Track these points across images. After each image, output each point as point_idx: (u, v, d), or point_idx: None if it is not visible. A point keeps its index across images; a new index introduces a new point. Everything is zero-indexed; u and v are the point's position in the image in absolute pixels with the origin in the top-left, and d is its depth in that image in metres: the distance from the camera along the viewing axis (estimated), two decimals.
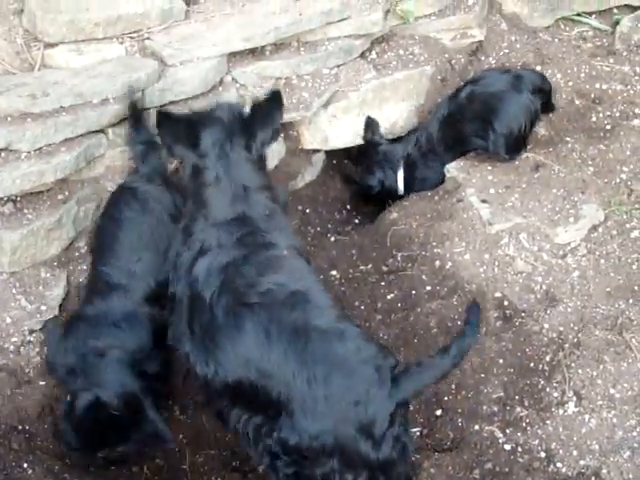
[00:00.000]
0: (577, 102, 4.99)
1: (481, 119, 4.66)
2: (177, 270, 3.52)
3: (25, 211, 3.94)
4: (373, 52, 4.92)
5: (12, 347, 3.84)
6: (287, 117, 4.60)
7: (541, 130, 4.77)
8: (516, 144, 4.64)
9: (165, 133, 3.60)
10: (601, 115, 4.91)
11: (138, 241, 3.92)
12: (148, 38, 4.34)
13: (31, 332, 3.89)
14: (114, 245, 3.91)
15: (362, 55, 4.86)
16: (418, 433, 3.76)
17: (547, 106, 4.83)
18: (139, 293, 3.83)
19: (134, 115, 4.12)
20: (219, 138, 3.56)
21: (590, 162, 4.59)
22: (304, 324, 3.21)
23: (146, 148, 4.14)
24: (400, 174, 4.93)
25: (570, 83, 5.04)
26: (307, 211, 5.05)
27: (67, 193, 4.06)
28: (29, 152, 3.91)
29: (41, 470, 3.54)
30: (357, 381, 3.14)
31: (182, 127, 3.57)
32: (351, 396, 3.11)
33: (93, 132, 4.09)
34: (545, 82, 4.80)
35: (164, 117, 3.61)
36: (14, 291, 3.91)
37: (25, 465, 3.55)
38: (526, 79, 4.69)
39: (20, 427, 3.72)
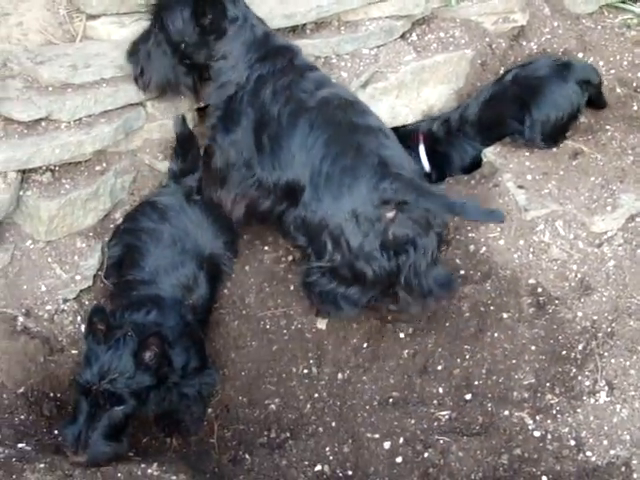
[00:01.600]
0: (618, 90, 4.92)
1: (521, 102, 4.61)
2: (235, 110, 3.92)
3: (63, 181, 3.97)
4: (414, 34, 4.87)
5: (46, 315, 3.88)
6: None
7: (581, 117, 4.71)
8: (553, 133, 4.58)
9: None
10: None
11: (162, 252, 3.91)
12: None
13: (65, 301, 3.93)
14: (136, 260, 3.91)
15: (402, 36, 4.82)
16: (447, 416, 3.75)
17: (597, 101, 4.77)
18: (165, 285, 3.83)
19: (179, 143, 4.18)
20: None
21: (630, 151, 4.53)
22: (342, 118, 3.80)
23: (178, 172, 4.18)
24: (421, 149, 4.87)
25: (612, 71, 4.97)
26: None
27: (105, 164, 4.08)
28: (69, 122, 3.93)
29: None
30: (357, 165, 3.65)
31: None
32: (347, 178, 3.64)
33: (132, 105, 4.11)
34: (595, 76, 4.71)
35: None
36: (49, 260, 3.95)
37: (56, 432, 3.57)
38: (575, 69, 4.62)
39: (52, 394, 3.76)
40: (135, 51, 4.01)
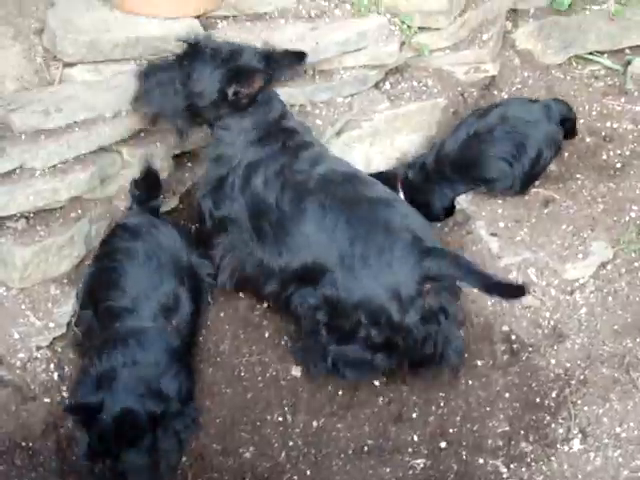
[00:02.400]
0: (588, 140, 5.00)
1: (513, 142, 4.61)
2: (226, 194, 3.99)
3: (38, 228, 3.95)
4: (387, 83, 4.93)
5: (19, 363, 3.84)
6: None
7: (552, 166, 4.78)
8: (536, 174, 4.64)
9: None
10: (612, 153, 4.93)
11: (138, 270, 3.88)
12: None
13: (38, 348, 3.89)
14: (114, 281, 3.87)
15: (376, 85, 4.88)
16: (422, 465, 3.75)
17: (572, 133, 4.86)
18: (147, 312, 3.80)
19: (143, 177, 4.13)
20: None
21: (600, 200, 4.61)
22: (354, 194, 3.84)
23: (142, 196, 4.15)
24: (401, 197, 4.85)
25: (581, 121, 5.05)
26: None
27: (80, 211, 4.06)
28: (43, 170, 3.93)
29: None
30: (393, 243, 3.65)
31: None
32: (385, 256, 3.64)
33: (107, 151, 4.12)
34: (571, 112, 4.82)
35: None
36: (23, 307, 3.92)
37: None
38: (555, 109, 4.69)
39: (24, 444, 3.71)
40: (150, 73, 4.03)
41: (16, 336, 3.86)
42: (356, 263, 3.69)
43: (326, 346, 3.83)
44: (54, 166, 3.95)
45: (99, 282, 3.95)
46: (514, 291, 3.72)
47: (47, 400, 3.85)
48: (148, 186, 4.14)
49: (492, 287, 3.68)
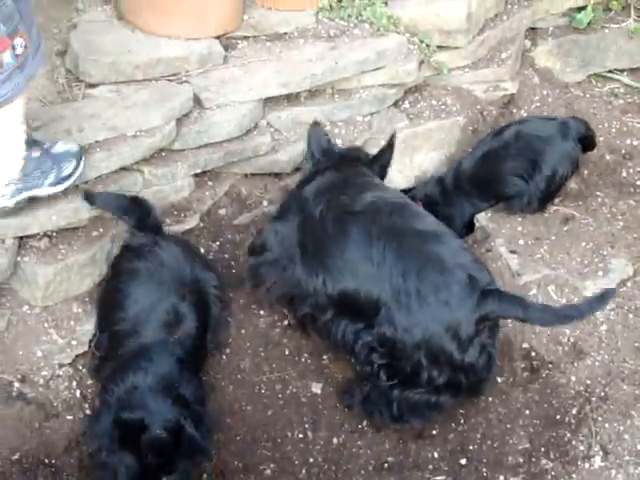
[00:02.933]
0: (608, 157, 5.01)
1: (526, 158, 4.64)
2: (288, 198, 4.15)
3: (60, 246, 3.99)
4: (406, 101, 4.97)
5: (42, 380, 3.87)
6: None
7: (571, 184, 4.79)
8: (552, 192, 4.65)
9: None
10: (631, 170, 4.95)
11: (140, 288, 3.90)
12: (186, 81, 4.41)
13: (61, 366, 3.92)
14: (119, 302, 3.89)
15: (395, 104, 4.91)
16: None
17: (590, 148, 4.86)
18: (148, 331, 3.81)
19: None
20: None
21: (620, 217, 4.61)
22: (403, 226, 3.73)
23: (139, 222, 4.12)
24: None
25: (601, 138, 5.06)
26: None
27: (102, 230, 4.11)
28: (65, 189, 3.98)
29: None
30: (449, 281, 3.54)
31: None
32: (442, 295, 3.51)
33: (129, 170, 4.17)
34: (589, 129, 4.82)
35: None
36: (46, 325, 3.96)
37: None
38: (573, 127, 4.69)
39: (47, 461, 3.73)
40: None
41: (39, 354, 3.90)
42: (413, 301, 3.54)
43: (388, 392, 3.72)
44: (76, 186, 3.99)
45: (108, 304, 3.98)
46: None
47: (69, 417, 3.88)
48: (138, 212, 4.11)
49: (556, 320, 3.70)
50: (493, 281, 3.70)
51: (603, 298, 3.64)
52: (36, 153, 3.79)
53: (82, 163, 3.88)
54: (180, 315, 3.85)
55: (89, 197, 3.98)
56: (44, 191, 3.83)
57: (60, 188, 3.85)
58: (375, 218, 3.74)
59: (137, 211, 4.09)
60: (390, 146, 4.38)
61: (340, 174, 4.09)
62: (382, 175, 4.36)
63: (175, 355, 3.75)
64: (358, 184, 4.01)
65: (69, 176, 3.84)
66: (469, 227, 4.77)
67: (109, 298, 3.98)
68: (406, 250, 3.62)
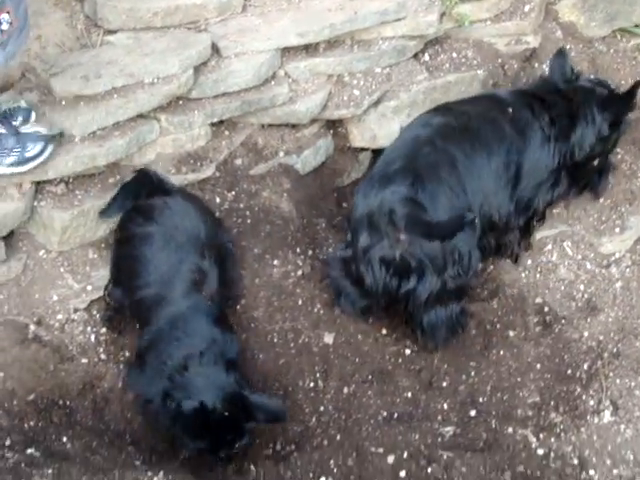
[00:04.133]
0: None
1: None
2: None
3: (76, 192, 4.03)
4: (426, 54, 4.92)
5: (57, 324, 3.93)
6: (337, 114, 4.66)
7: None
8: None
9: None
10: None
11: (158, 254, 3.87)
12: (205, 29, 4.39)
13: (76, 311, 3.98)
14: (137, 270, 3.88)
15: (415, 56, 4.86)
16: (451, 432, 3.77)
17: None
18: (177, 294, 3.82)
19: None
20: None
21: (639, 174, 4.57)
22: None
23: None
24: None
25: None
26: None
27: (118, 176, 4.13)
28: (82, 136, 3.99)
29: (80, 445, 3.61)
30: None
31: None
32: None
33: (146, 118, 4.18)
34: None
35: None
36: (62, 270, 4.00)
37: (64, 439, 3.62)
38: None
39: (61, 402, 3.80)
40: None
41: (55, 298, 3.95)
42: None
43: None
44: (93, 132, 4.00)
45: (124, 268, 3.97)
46: None
47: (84, 361, 3.93)
48: (146, 186, 4.11)
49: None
50: None
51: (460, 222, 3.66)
52: (1, 129, 3.77)
53: (50, 148, 3.82)
54: (205, 272, 3.86)
55: (103, 213, 4.03)
56: (3, 170, 3.78)
57: (22, 169, 3.79)
58: None
59: (144, 185, 4.10)
60: (630, 94, 4.31)
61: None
62: (613, 121, 4.29)
63: (210, 315, 3.79)
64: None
65: (33, 158, 3.80)
66: None
67: (125, 264, 3.96)
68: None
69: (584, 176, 4.29)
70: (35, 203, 3.94)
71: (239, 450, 3.60)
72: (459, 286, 3.89)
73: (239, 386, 3.61)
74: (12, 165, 3.77)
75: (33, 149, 3.77)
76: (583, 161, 4.19)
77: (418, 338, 4.01)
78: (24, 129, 3.82)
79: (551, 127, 4.08)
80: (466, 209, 3.82)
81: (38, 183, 3.95)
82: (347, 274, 4.04)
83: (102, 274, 4.05)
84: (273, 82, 4.50)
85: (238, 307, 4.18)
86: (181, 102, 4.28)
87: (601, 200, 4.44)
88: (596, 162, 4.26)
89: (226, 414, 3.51)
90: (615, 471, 3.57)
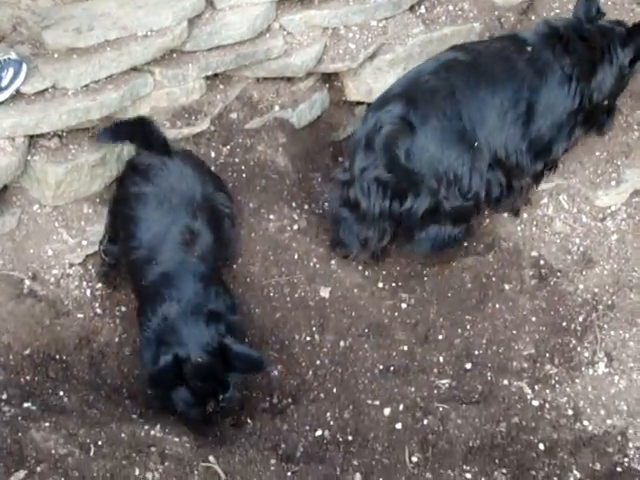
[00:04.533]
0: None
1: None
2: None
3: (70, 146, 4.00)
4: (422, 6, 4.87)
5: (52, 279, 3.93)
6: (332, 67, 4.63)
7: None
8: None
9: None
10: None
11: (151, 215, 3.86)
12: None
13: (71, 265, 3.98)
14: (131, 230, 3.87)
15: (411, 9, 4.81)
16: (447, 385, 3.78)
17: None
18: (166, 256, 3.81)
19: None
20: None
21: (636, 126, 4.54)
22: None
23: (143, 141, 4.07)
24: None
25: None
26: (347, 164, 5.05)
27: None
28: (75, 89, 3.95)
29: (76, 399, 3.61)
30: None
31: None
32: None
33: (139, 71, 4.14)
34: None
35: None
36: (56, 224, 3.99)
37: (61, 393, 3.63)
38: None
39: (57, 356, 3.82)
40: None
41: (50, 253, 3.94)
42: None
43: None
44: (86, 86, 3.97)
45: (120, 228, 3.97)
46: None
47: (80, 315, 3.94)
48: (143, 134, 4.07)
49: None
50: None
51: None
52: None
53: (22, 73, 3.79)
54: (195, 232, 3.85)
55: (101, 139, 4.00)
56: None
57: (3, 97, 3.77)
58: None
59: (141, 133, 4.04)
60: None
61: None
62: (634, 57, 4.30)
63: (197, 273, 3.77)
64: None
65: (9, 84, 3.77)
66: None
67: (121, 223, 3.96)
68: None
69: (595, 117, 4.28)
70: (29, 157, 3.92)
71: (228, 403, 3.59)
72: (456, 208, 3.94)
73: (221, 337, 3.58)
74: None
75: (7, 75, 3.75)
76: (599, 103, 4.19)
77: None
78: None
79: (573, 68, 4.07)
80: (460, 133, 3.87)
81: (31, 137, 3.92)
82: (345, 201, 4.09)
83: (97, 229, 4.04)
84: (268, 35, 4.46)
85: (234, 267, 4.19)
86: (175, 55, 4.24)
87: (597, 153, 4.42)
88: (606, 102, 4.26)
89: (202, 364, 3.50)
90: (609, 421, 3.59)
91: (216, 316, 3.66)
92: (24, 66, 3.81)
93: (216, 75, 4.44)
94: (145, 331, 3.69)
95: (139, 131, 4.03)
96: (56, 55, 3.95)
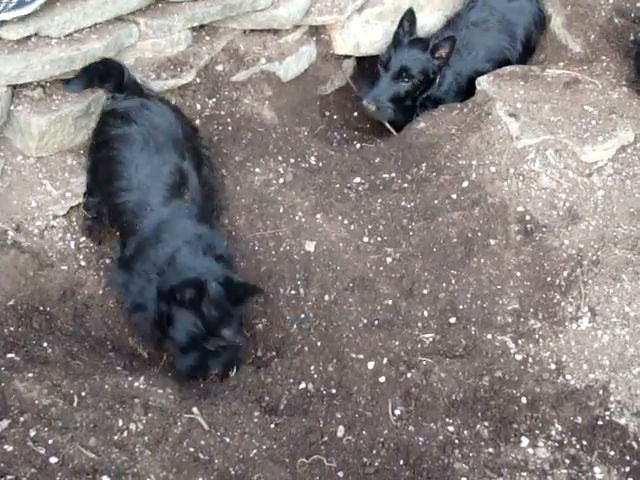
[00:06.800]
0: (616, 21, 4.87)
1: None
2: None
3: (54, 97, 3.96)
4: None
5: (36, 230, 3.91)
6: (320, 20, 4.61)
7: (577, 47, 4.69)
8: None
9: None
10: None
11: (138, 155, 3.81)
12: None
13: (55, 217, 3.96)
14: (116, 171, 3.82)
15: None
16: (431, 339, 3.79)
17: None
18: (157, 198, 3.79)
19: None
20: None
21: (624, 82, 4.52)
22: None
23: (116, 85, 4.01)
24: None
25: (610, 1, 4.92)
26: (334, 117, 5.03)
27: None
28: (59, 38, 3.90)
29: (60, 350, 3.61)
30: None
31: None
32: None
33: (124, 21, 4.08)
34: None
35: None
36: (40, 176, 3.96)
37: (45, 344, 3.62)
38: None
39: (41, 308, 3.80)
40: None
41: (33, 204, 3.92)
42: None
43: None
44: (70, 35, 3.92)
45: (103, 173, 3.91)
46: None
47: (64, 267, 3.93)
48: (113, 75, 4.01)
49: None
50: None
51: None
52: None
53: None
54: (185, 173, 3.83)
55: (69, 87, 3.95)
56: (7, 15, 3.72)
57: (25, 11, 3.74)
58: None
59: (111, 74, 3.98)
60: None
61: None
62: None
63: (194, 216, 3.78)
64: None
65: (31, 1, 3.74)
66: (470, 91, 4.71)
67: (105, 168, 3.89)
68: None
69: None
70: (12, 107, 3.88)
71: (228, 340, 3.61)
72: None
73: (227, 271, 3.66)
74: (17, 8, 3.72)
75: None
76: None
77: None
78: None
79: None
80: None
81: (14, 87, 3.87)
82: None
83: (81, 181, 4.02)
84: None
85: (220, 218, 4.17)
86: (160, 5, 4.22)
87: (585, 107, 4.39)
88: None
89: (218, 292, 3.54)
90: (591, 375, 3.60)
91: (221, 258, 3.71)
92: None
93: (202, 26, 4.40)
94: (147, 273, 3.67)
95: (108, 74, 3.97)
96: None
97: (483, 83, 4.60)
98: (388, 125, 4.90)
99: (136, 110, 3.90)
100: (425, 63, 4.73)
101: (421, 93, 4.86)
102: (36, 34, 3.85)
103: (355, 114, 5.17)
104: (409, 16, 4.66)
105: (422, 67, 4.73)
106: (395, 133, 4.85)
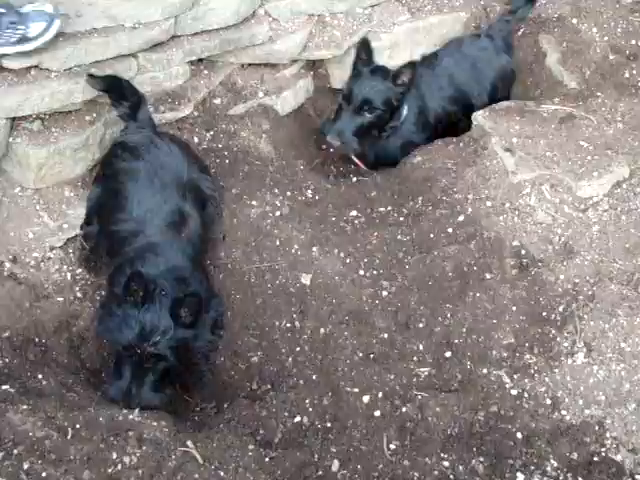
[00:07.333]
0: (611, 57, 4.93)
1: None
2: None
3: (53, 129, 3.99)
4: None
5: (33, 262, 3.91)
6: (317, 54, 4.64)
7: (572, 83, 4.73)
8: None
9: None
10: (634, 72, 4.85)
11: (141, 190, 3.85)
12: None
13: (52, 249, 3.97)
14: (118, 203, 3.86)
15: None
16: (426, 373, 3.79)
17: None
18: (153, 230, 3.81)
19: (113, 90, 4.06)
20: None
21: (619, 118, 4.55)
22: None
23: (129, 110, 4.07)
24: None
25: (605, 38, 4.98)
26: (331, 150, 5.04)
27: (95, 115, 4.10)
28: (59, 71, 3.94)
29: (55, 382, 3.60)
30: None
31: None
32: None
33: (123, 56, 4.12)
34: None
35: None
36: (37, 207, 3.98)
37: (40, 376, 3.61)
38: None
39: (37, 340, 3.80)
40: None
41: (30, 236, 3.93)
42: None
43: None
44: (70, 68, 3.95)
45: (105, 203, 3.95)
46: None
47: (60, 299, 3.93)
48: (123, 94, 4.06)
49: None
50: None
51: None
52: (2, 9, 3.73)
53: (53, 28, 3.80)
54: (185, 215, 3.86)
55: (90, 80, 3.94)
56: (9, 49, 3.76)
57: (28, 47, 3.78)
58: None
59: (132, 98, 4.04)
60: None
61: None
62: None
63: (186, 253, 3.79)
64: None
65: (37, 36, 3.77)
66: (466, 125, 4.74)
67: (108, 198, 3.94)
68: None
69: None
70: (10, 139, 3.91)
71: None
72: None
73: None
74: (18, 43, 3.75)
75: (37, 27, 3.75)
76: None
77: None
78: (23, 9, 3.80)
79: None
80: None
81: (13, 119, 3.90)
82: None
83: (78, 212, 4.03)
84: (253, 21, 4.47)
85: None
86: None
87: (580, 143, 4.42)
88: None
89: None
90: (587, 411, 3.59)
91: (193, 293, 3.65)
92: (56, 21, 3.80)
93: (200, 60, 4.44)
94: (116, 286, 3.66)
95: (129, 94, 4.03)
96: None
97: (479, 118, 4.63)
98: (355, 159, 4.81)
99: (145, 146, 3.94)
100: (387, 92, 4.57)
101: (386, 122, 4.73)
102: (37, 66, 3.88)
103: None
104: (365, 45, 4.51)
105: (384, 97, 4.58)
106: (363, 167, 4.81)
